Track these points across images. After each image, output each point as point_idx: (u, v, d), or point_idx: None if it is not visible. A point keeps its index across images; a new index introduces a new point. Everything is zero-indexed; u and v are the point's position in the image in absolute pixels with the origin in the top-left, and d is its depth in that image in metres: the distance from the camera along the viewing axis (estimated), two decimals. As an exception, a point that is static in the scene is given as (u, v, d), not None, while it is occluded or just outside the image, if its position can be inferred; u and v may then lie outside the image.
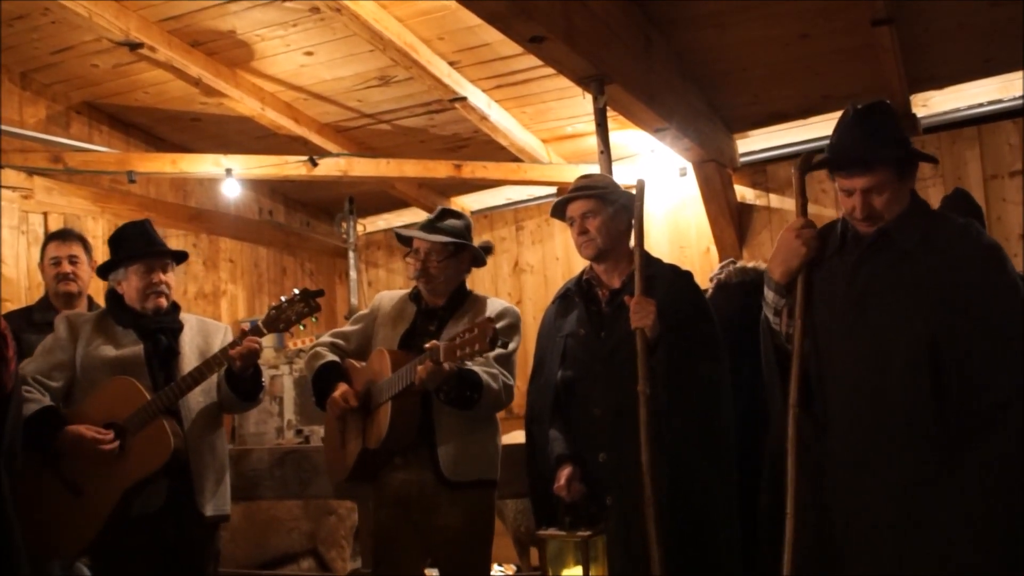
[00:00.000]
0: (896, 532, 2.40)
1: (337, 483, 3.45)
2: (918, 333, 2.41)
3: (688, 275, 3.16)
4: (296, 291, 3.21)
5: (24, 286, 5.38)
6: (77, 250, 4.06)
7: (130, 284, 3.28)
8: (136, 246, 3.29)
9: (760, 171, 6.53)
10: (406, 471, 3.14)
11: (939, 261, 2.46)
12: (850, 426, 2.50)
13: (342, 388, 3.17)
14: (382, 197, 7.36)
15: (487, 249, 3.38)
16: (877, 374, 2.46)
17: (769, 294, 2.71)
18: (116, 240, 3.36)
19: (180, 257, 3.40)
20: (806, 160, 2.71)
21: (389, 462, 3.16)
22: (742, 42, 5.06)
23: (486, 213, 7.44)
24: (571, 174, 5.33)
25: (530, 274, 7.24)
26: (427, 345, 2.92)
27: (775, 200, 6.47)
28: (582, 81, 4.30)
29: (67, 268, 4.01)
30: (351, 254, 6.92)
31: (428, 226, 3.28)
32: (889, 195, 2.50)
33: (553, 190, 7.18)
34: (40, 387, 3.15)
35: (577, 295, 3.16)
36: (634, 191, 3.08)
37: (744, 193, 6.56)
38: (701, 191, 6.26)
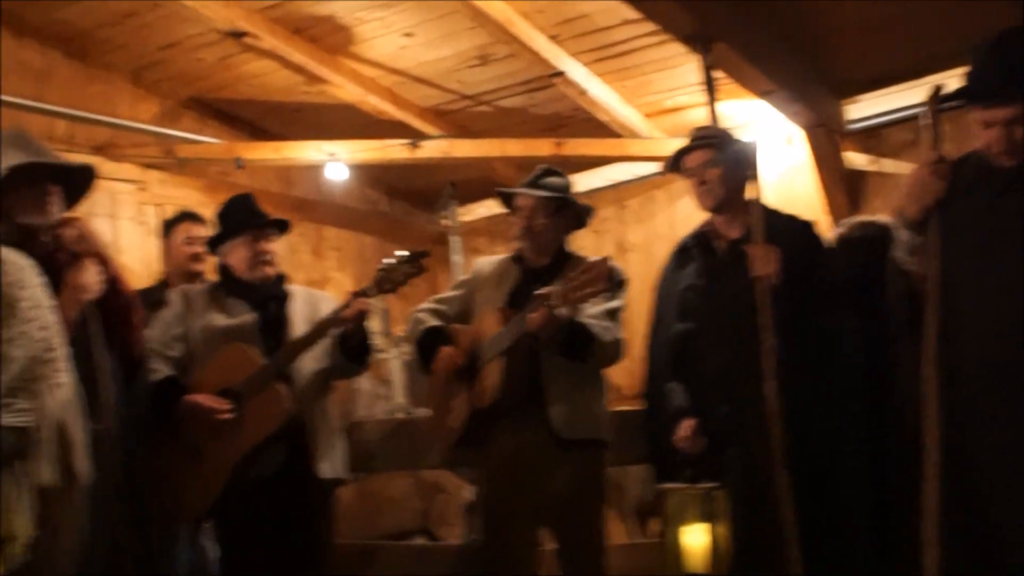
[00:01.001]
0: None
1: (445, 451, 3.41)
2: None
3: (809, 224, 3.06)
4: (402, 252, 3.20)
5: (143, 275, 5.53)
6: (207, 233, 4.12)
7: (237, 256, 3.33)
8: (241, 218, 3.36)
9: (873, 135, 6.28)
10: (516, 434, 3.07)
11: None
12: (985, 368, 2.39)
13: (447, 349, 3.14)
14: (483, 183, 7.31)
15: (588, 210, 3.32)
16: (1014, 312, 2.34)
17: (903, 233, 2.61)
18: (222, 214, 3.43)
19: (283, 226, 3.44)
20: (939, 93, 2.58)
21: (498, 425, 3.10)
22: (849, -1, 4.88)
23: (588, 194, 7.34)
24: (674, 147, 5.22)
25: (634, 253, 7.10)
26: (539, 291, 2.86)
27: (889, 165, 6.22)
28: (688, 40, 4.19)
29: (199, 249, 4.07)
30: (453, 239, 6.91)
31: (530, 184, 3.25)
32: None
33: (655, 166, 7.08)
34: (160, 358, 3.21)
35: (695, 247, 3.08)
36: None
37: (856, 160, 6.33)
38: (812, 158, 6.06)
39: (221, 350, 3.21)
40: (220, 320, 3.28)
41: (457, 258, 6.97)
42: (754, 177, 2.96)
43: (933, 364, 2.45)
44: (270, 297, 3.34)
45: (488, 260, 3.40)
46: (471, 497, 5.12)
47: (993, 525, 2.34)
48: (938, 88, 2.59)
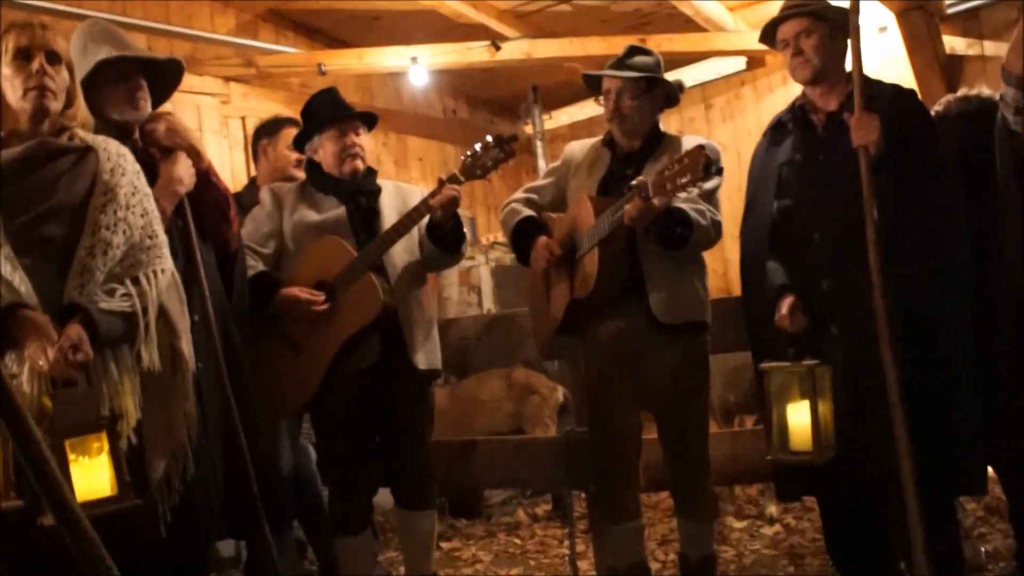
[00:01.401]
0: None
1: (544, 342, 3.41)
2: None
3: (912, 93, 2.91)
4: (490, 137, 3.15)
5: (229, 187, 5.60)
6: None
7: (325, 150, 3.32)
8: (326, 112, 3.33)
9: (972, 17, 6.01)
10: (616, 320, 3.03)
11: None
12: None
13: (544, 239, 3.10)
14: (565, 88, 7.23)
15: (679, 87, 3.22)
16: None
17: (1008, 91, 2.47)
18: (307, 110, 3.40)
19: (370, 120, 3.42)
20: None
21: (598, 313, 3.07)
22: None
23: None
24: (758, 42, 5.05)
25: (722, 152, 6.94)
26: (633, 182, 2.80)
27: (990, 48, 5.94)
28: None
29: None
30: (538, 144, 6.85)
31: (617, 64, 3.14)
32: None
33: (741, 64, 6.87)
34: (254, 254, 3.24)
35: (791, 122, 2.97)
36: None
37: (954, 44, 6.05)
38: (906, 44, 5.81)
39: (314, 243, 3.22)
40: (311, 215, 3.28)
41: (542, 164, 6.92)
42: (856, 40, 2.81)
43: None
44: (360, 191, 3.33)
45: (580, 144, 3.32)
46: (563, 399, 5.16)
47: None
48: None
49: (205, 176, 2.83)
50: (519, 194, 3.35)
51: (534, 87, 6.76)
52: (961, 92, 3.41)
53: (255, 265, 3.22)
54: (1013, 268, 2.63)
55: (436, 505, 3.49)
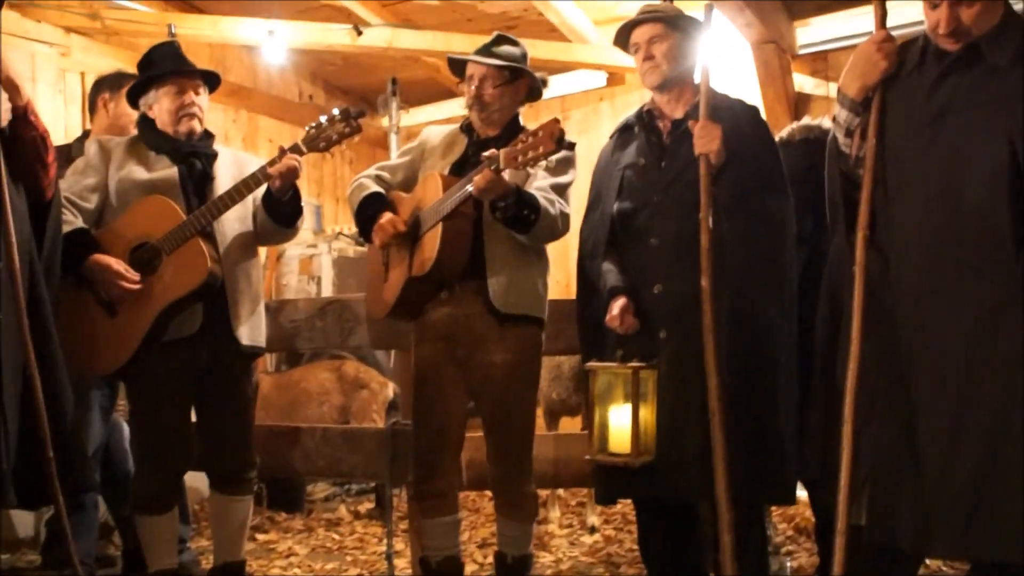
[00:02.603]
0: (966, 361, 2.25)
1: (377, 321, 3.34)
2: (1000, 152, 2.23)
3: (755, 109, 2.99)
4: (336, 110, 3.06)
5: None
6: None
7: (161, 107, 3.15)
8: (166, 66, 3.15)
9: (821, 58, 6.25)
10: (452, 305, 3.00)
11: None
12: (920, 251, 2.34)
13: (388, 215, 3.03)
14: (426, 85, 7.18)
15: (544, 81, 3.21)
16: (951, 194, 2.29)
17: (842, 113, 2.55)
18: (145, 62, 3.21)
19: (212, 80, 3.26)
20: None
21: (435, 297, 3.03)
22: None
23: (532, 104, 7.22)
24: (622, 57, 5.12)
25: (578, 165, 7.02)
26: (485, 154, 2.77)
27: (835, 90, 6.20)
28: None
29: None
30: (393, 138, 6.73)
31: (483, 51, 3.10)
32: (980, 7, 2.28)
33: (602, 79, 6.98)
34: (73, 208, 3.04)
35: (637, 126, 2.99)
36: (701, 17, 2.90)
37: (803, 83, 6.30)
38: (759, 76, 6.00)
39: (141, 200, 3.05)
40: (140, 173, 3.11)
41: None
42: (705, 51, 2.87)
43: (862, 248, 2.41)
44: (195, 153, 3.17)
45: (437, 129, 3.28)
46: (393, 395, 5.07)
47: (918, 416, 2.32)
48: None
49: (22, 112, 2.61)
50: (370, 170, 3.27)
51: (393, 79, 6.64)
52: (804, 121, 3.53)
53: (73, 220, 3.01)
54: (831, 285, 2.72)
55: (253, 492, 3.35)
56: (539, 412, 4.73)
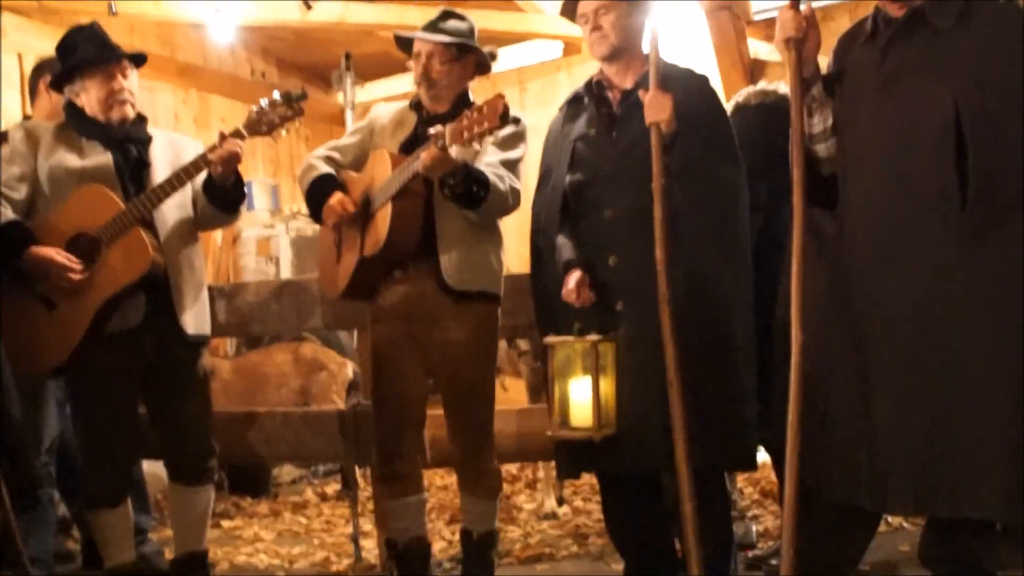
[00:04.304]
0: (917, 320, 2.27)
1: (334, 302, 3.31)
2: (946, 115, 2.24)
3: (705, 77, 2.95)
4: (277, 93, 3.01)
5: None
6: None
7: (90, 96, 3.05)
8: (89, 52, 3.04)
9: (774, 25, 6.20)
10: (406, 283, 2.98)
11: (975, 40, 2.27)
12: (871, 214, 2.36)
13: (339, 195, 2.99)
14: (380, 59, 7.06)
15: (492, 55, 3.17)
16: (900, 158, 2.31)
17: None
18: (65, 48, 3.10)
19: (139, 61, 3.16)
20: None
21: (388, 276, 3.00)
22: None
23: (489, 75, 7.16)
24: (577, 28, 5.08)
25: (535, 136, 6.96)
26: (431, 130, 2.74)
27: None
28: None
29: None
30: (348, 114, 6.66)
31: (430, 27, 3.06)
32: None
33: (558, 50, 6.93)
34: (2, 198, 2.96)
35: (587, 96, 2.95)
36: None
37: (758, 49, 6.29)
38: (713, 42, 5.99)
39: (77, 190, 2.97)
40: (72, 160, 3.02)
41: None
42: (654, 19, 2.83)
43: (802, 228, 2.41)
44: (129, 139, 3.09)
45: (387, 106, 3.25)
46: (353, 375, 5.03)
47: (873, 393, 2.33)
48: None
49: None
50: (320, 150, 3.23)
51: (347, 54, 6.56)
52: (760, 85, 3.51)
53: (4, 212, 2.93)
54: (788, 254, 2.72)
55: (213, 480, 3.30)
56: (523, 387, 4.75)
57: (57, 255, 2.89)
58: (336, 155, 3.18)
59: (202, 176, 3.06)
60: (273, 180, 7.18)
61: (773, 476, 3.99)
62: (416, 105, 3.12)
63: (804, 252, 2.39)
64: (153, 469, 4.15)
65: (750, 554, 3.46)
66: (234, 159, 2.98)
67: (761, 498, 4.39)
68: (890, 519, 3.72)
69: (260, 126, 3.00)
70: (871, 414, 2.34)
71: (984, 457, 2.19)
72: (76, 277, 2.89)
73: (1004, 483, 2.17)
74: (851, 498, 2.37)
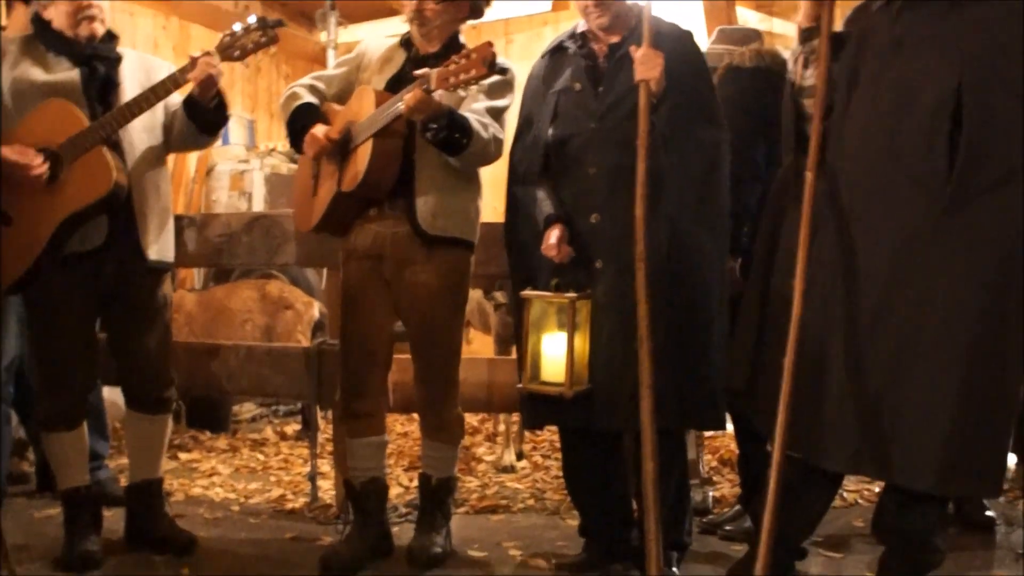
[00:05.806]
0: (883, 285, 2.31)
1: (306, 239, 3.30)
2: (945, 87, 2.25)
3: (690, 34, 2.89)
4: (253, 18, 2.94)
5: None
6: None
7: (58, 9, 2.96)
8: None
9: (763, -8, 6.21)
10: (380, 223, 2.97)
11: (984, 14, 2.27)
12: (859, 170, 2.38)
13: (320, 126, 2.94)
14: (366, 1, 6.94)
15: (487, 0, 3.12)
16: (895, 122, 2.32)
17: (798, 47, 2.59)
18: None
19: None
20: None
21: (362, 214, 2.99)
22: None
23: (475, 24, 7.06)
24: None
25: (520, 89, 6.92)
26: (417, 72, 2.71)
27: (779, 25, 6.17)
28: None
29: None
30: (331, 53, 6.55)
31: None
32: None
33: (547, 4, 6.85)
34: None
35: (572, 47, 2.89)
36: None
37: (747, 17, 6.25)
38: (704, 10, 5.92)
39: (41, 104, 2.88)
40: (38, 74, 2.94)
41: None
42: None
43: (810, 186, 2.41)
44: (98, 56, 3.00)
45: (376, 41, 3.19)
46: (319, 316, 4.98)
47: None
48: None
49: None
50: (305, 79, 3.18)
51: (333, -7, 6.45)
52: (755, 46, 3.45)
53: None
54: (775, 205, 2.75)
55: (170, 410, 3.27)
56: (489, 342, 4.72)
57: (14, 154, 2.79)
58: (320, 85, 3.13)
59: (176, 98, 3.01)
60: (251, 115, 7.06)
61: (733, 445, 4.02)
62: (406, 43, 3.08)
63: (813, 225, 2.40)
64: (112, 396, 4.11)
65: (704, 519, 3.48)
66: (211, 80, 2.92)
67: (719, 466, 4.43)
68: (845, 494, 3.77)
69: (232, 50, 2.93)
70: (829, 369, 2.39)
71: (925, 430, 2.24)
72: (38, 172, 2.81)
73: (940, 458, 2.23)
74: (795, 447, 2.39)
